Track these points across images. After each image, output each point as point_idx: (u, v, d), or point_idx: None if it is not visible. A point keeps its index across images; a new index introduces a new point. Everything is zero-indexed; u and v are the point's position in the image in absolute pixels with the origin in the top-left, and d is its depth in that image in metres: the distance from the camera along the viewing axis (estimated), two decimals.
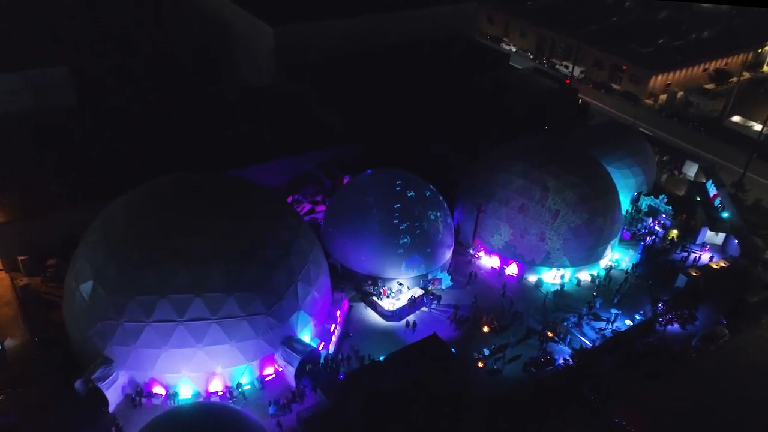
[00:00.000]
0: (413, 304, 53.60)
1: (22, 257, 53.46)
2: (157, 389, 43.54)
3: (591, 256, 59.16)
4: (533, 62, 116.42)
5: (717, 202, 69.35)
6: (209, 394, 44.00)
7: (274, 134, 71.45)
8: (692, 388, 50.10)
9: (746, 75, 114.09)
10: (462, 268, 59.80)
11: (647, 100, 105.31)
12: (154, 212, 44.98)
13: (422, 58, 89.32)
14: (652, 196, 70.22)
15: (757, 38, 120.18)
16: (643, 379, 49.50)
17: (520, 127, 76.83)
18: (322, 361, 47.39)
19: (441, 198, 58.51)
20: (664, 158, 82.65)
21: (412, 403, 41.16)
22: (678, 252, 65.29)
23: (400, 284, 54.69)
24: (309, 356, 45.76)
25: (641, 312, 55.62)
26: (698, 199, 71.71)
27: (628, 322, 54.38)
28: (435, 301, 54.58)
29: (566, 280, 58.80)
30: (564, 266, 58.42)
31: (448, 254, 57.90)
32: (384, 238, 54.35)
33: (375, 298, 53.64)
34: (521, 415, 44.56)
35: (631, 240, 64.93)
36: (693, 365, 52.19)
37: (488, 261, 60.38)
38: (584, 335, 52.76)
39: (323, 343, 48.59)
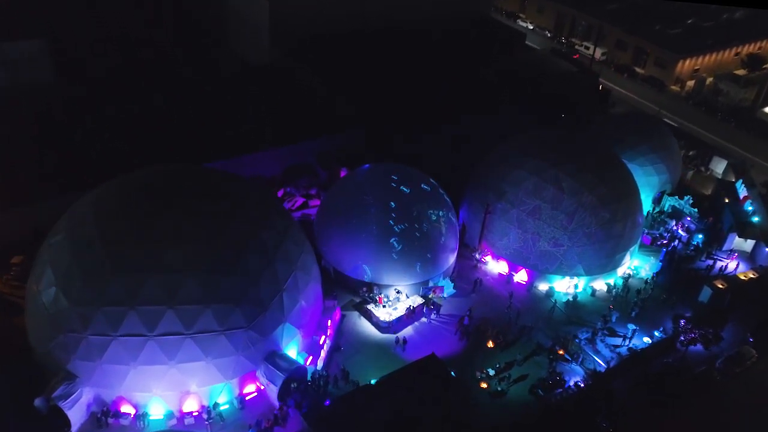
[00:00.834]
0: (411, 314, 50.51)
1: None
2: (126, 408, 40.95)
3: (608, 264, 55.89)
4: (551, 41, 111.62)
5: (747, 204, 65.53)
6: (183, 414, 41.29)
7: (269, 120, 67.91)
8: (715, 414, 47.28)
9: None
10: (467, 273, 56.62)
11: (673, 87, 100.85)
12: (124, 212, 41.96)
13: (432, 36, 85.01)
14: (677, 197, 66.44)
15: None
16: (661, 404, 46.51)
17: (536, 115, 72.86)
18: (309, 377, 44.42)
19: (444, 195, 54.90)
20: (690, 153, 78.75)
21: None
22: (702, 259, 61.63)
23: (398, 292, 51.58)
24: (294, 374, 42.86)
25: (661, 329, 52.19)
26: (726, 201, 67.85)
27: (647, 340, 51.08)
28: (435, 312, 51.27)
29: (580, 289, 55.44)
30: (578, 275, 55.11)
31: (451, 259, 54.63)
32: (382, 240, 50.87)
33: (370, 307, 50.52)
34: None
35: (652, 245, 61.27)
36: (716, 388, 49.27)
37: (495, 266, 57.14)
38: (598, 353, 49.51)
39: (311, 357, 45.74)
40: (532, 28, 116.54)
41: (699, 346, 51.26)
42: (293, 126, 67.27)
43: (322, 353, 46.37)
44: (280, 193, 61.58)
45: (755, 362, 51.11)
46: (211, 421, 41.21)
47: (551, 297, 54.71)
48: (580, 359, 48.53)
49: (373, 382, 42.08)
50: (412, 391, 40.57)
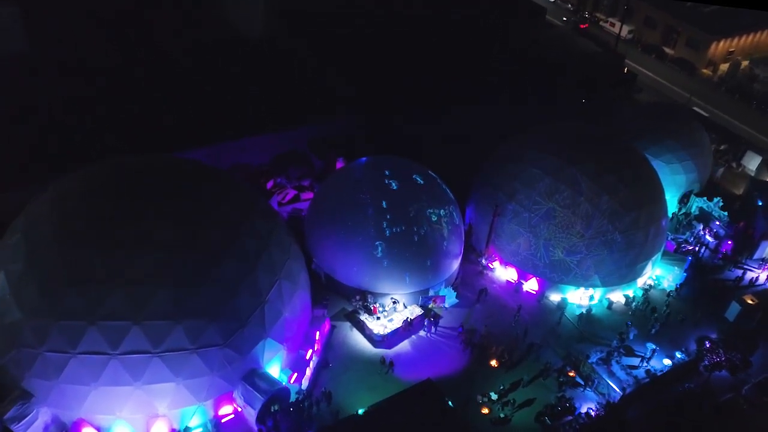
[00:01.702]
0: (409, 326, 47.52)
1: None
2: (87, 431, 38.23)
3: (628, 274, 52.52)
4: (574, 16, 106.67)
5: None
6: None
7: (257, 102, 64.01)
8: None
9: None
10: (471, 280, 53.46)
11: (705, 70, 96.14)
12: (85, 212, 38.93)
13: (442, 12, 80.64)
14: (705, 198, 62.78)
15: None
16: None
17: (554, 102, 68.77)
18: (292, 398, 41.72)
19: (448, 192, 51.51)
20: (721, 147, 74.66)
21: None
22: (731, 269, 58.25)
23: (395, 301, 48.54)
24: (275, 396, 40.10)
25: (683, 349, 49.10)
26: (760, 203, 64.11)
27: (667, 362, 48.01)
28: (434, 325, 48.24)
29: (595, 301, 52.27)
30: (594, 286, 51.88)
31: (455, 265, 51.41)
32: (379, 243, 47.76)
33: (364, 318, 47.58)
34: None
35: (676, 252, 57.85)
36: (743, 419, 46.32)
37: (503, 273, 53.92)
38: (612, 376, 46.55)
39: (296, 374, 42.94)
40: (553, 0, 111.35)
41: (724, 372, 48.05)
42: (285, 109, 63.26)
43: (308, 371, 43.42)
44: (269, 185, 58.14)
45: None
46: None
47: (562, 309, 51.52)
48: (595, 384, 45.43)
49: (360, 412, 39.16)
50: (404, 424, 37.67)
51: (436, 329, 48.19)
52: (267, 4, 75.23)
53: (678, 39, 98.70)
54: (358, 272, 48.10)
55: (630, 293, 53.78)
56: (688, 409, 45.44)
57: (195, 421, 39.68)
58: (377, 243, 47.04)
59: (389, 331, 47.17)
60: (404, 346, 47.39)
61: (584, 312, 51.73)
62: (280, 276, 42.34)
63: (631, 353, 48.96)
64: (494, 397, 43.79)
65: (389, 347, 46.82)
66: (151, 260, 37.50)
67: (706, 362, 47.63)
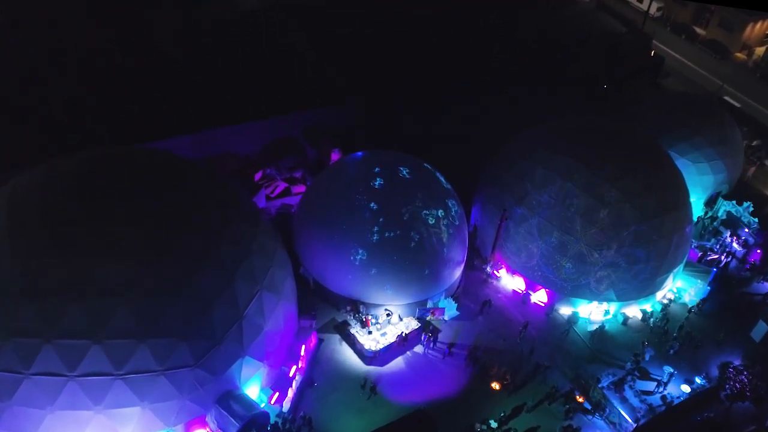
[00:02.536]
0: (404, 341, 44.99)
1: None
2: None
3: (646, 288, 49.64)
4: None
5: None
6: None
7: (246, 84, 60.66)
8: None
9: None
10: (475, 289, 50.85)
11: (739, 54, 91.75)
12: (43, 214, 36.17)
13: None
14: (734, 202, 59.54)
15: None
16: None
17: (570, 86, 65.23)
18: (272, 421, 39.47)
19: (451, 190, 48.66)
20: (754, 143, 71.00)
21: None
22: (760, 281, 55.29)
23: (389, 313, 45.92)
24: (252, 421, 37.79)
25: (703, 374, 46.44)
26: None
27: (685, 389, 45.38)
28: (432, 340, 45.67)
29: (609, 316, 49.54)
30: (608, 300, 49.08)
31: (456, 273, 48.64)
32: (374, 250, 44.95)
33: (355, 331, 45.07)
34: None
35: (700, 262, 54.86)
36: None
37: (510, 281, 51.15)
38: (625, 401, 44.05)
39: (277, 393, 40.61)
40: None
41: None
42: (277, 92, 60.05)
43: (290, 391, 41.07)
44: (257, 176, 55.22)
45: None
46: None
47: (572, 324, 48.88)
48: (606, 412, 42.91)
49: None
50: None
51: (435, 345, 45.49)
52: None
53: (710, 18, 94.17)
54: (350, 280, 45.31)
55: (648, 308, 50.82)
56: None
57: None
58: (369, 248, 44.05)
59: (382, 346, 44.49)
60: (398, 363, 44.95)
61: (597, 328, 48.88)
62: (262, 286, 39.74)
63: (646, 376, 46.31)
64: (494, 425, 41.28)
65: (382, 364, 44.43)
66: (114, 270, 34.88)
67: (728, 390, 44.80)
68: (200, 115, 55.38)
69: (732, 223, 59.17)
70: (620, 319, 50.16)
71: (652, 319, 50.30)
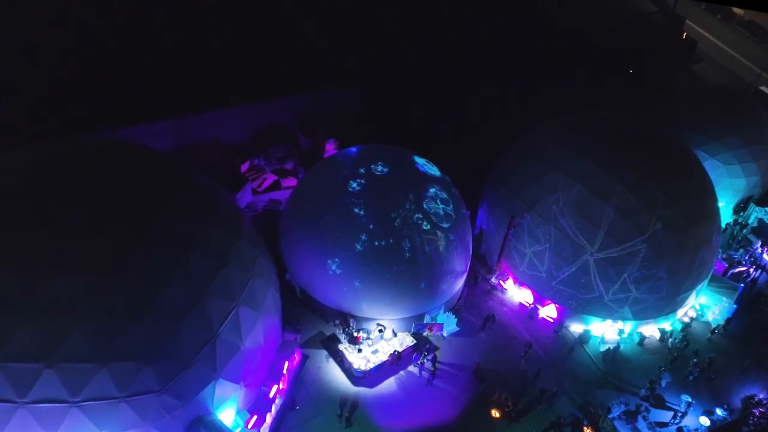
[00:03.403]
0: (397, 360, 42.60)
1: None
2: None
3: (666, 306, 46.89)
4: None
5: None
6: None
7: (236, 64, 57.08)
8: None
9: None
10: (478, 300, 48.34)
11: None
12: None
13: None
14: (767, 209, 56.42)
15: None
16: None
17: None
18: None
19: (456, 192, 46.04)
20: None
21: None
22: None
23: (382, 328, 43.46)
24: None
25: (725, 406, 43.96)
26: None
27: (704, 421, 42.91)
28: (428, 358, 43.24)
29: (625, 335, 46.93)
30: (624, 318, 46.40)
31: (458, 284, 46.03)
32: (368, 260, 42.36)
33: (343, 348, 42.72)
34: None
35: (726, 274, 52.02)
36: None
37: (516, 293, 48.56)
38: None
39: (255, 417, 38.49)
40: None
41: None
42: (269, 73, 56.71)
43: (269, 417, 38.89)
44: (244, 167, 52.40)
45: None
46: None
47: (583, 343, 46.37)
48: None
49: None
50: None
51: (435, 366, 43.09)
52: None
53: None
54: (334, 292, 42.81)
55: (667, 326, 48.14)
56: None
57: None
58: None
59: (373, 365, 42.13)
60: (389, 384, 42.57)
61: (610, 348, 46.33)
62: (239, 301, 37.23)
63: (661, 405, 43.80)
64: None
65: (371, 385, 42.01)
66: (68, 285, 32.38)
67: (752, 426, 42.37)
68: (182, 98, 52.35)
69: (764, 231, 56.17)
70: (636, 338, 47.48)
71: (671, 340, 47.55)
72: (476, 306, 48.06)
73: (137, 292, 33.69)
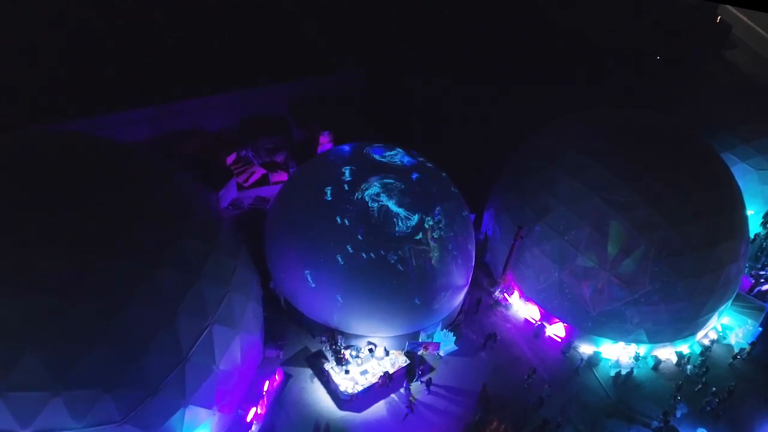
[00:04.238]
0: (387, 382, 40.42)
1: None
2: None
3: (685, 329, 44.45)
4: None
5: None
6: None
7: (223, 48, 54.38)
8: None
9: None
10: (480, 316, 46.02)
11: None
12: None
13: None
14: None
15: None
16: None
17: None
18: None
19: (457, 193, 43.65)
20: None
21: None
22: None
23: (372, 347, 41.19)
24: None
25: None
26: None
27: None
28: (423, 381, 41.08)
29: (639, 358, 44.68)
30: (638, 341, 44.01)
31: (457, 299, 43.65)
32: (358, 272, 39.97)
33: (330, 367, 40.57)
34: None
35: (751, 291, 49.54)
36: None
37: (521, 308, 46.20)
38: None
39: None
40: None
41: None
42: (262, 57, 53.91)
43: None
44: (230, 159, 49.85)
45: None
46: None
47: (592, 367, 44.10)
48: None
49: None
50: None
51: (429, 388, 40.96)
52: None
53: None
54: (323, 304, 40.54)
55: (685, 349, 45.71)
56: None
57: None
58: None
59: (361, 387, 39.97)
60: (378, 408, 40.44)
61: (620, 373, 44.03)
62: (213, 320, 34.95)
63: None
64: None
65: (359, 410, 39.88)
66: (21, 305, 30.28)
67: None
68: (164, 82, 49.62)
69: None
70: (650, 362, 45.11)
71: (689, 366, 45.11)
72: (477, 322, 45.55)
73: (96, 312, 31.51)
